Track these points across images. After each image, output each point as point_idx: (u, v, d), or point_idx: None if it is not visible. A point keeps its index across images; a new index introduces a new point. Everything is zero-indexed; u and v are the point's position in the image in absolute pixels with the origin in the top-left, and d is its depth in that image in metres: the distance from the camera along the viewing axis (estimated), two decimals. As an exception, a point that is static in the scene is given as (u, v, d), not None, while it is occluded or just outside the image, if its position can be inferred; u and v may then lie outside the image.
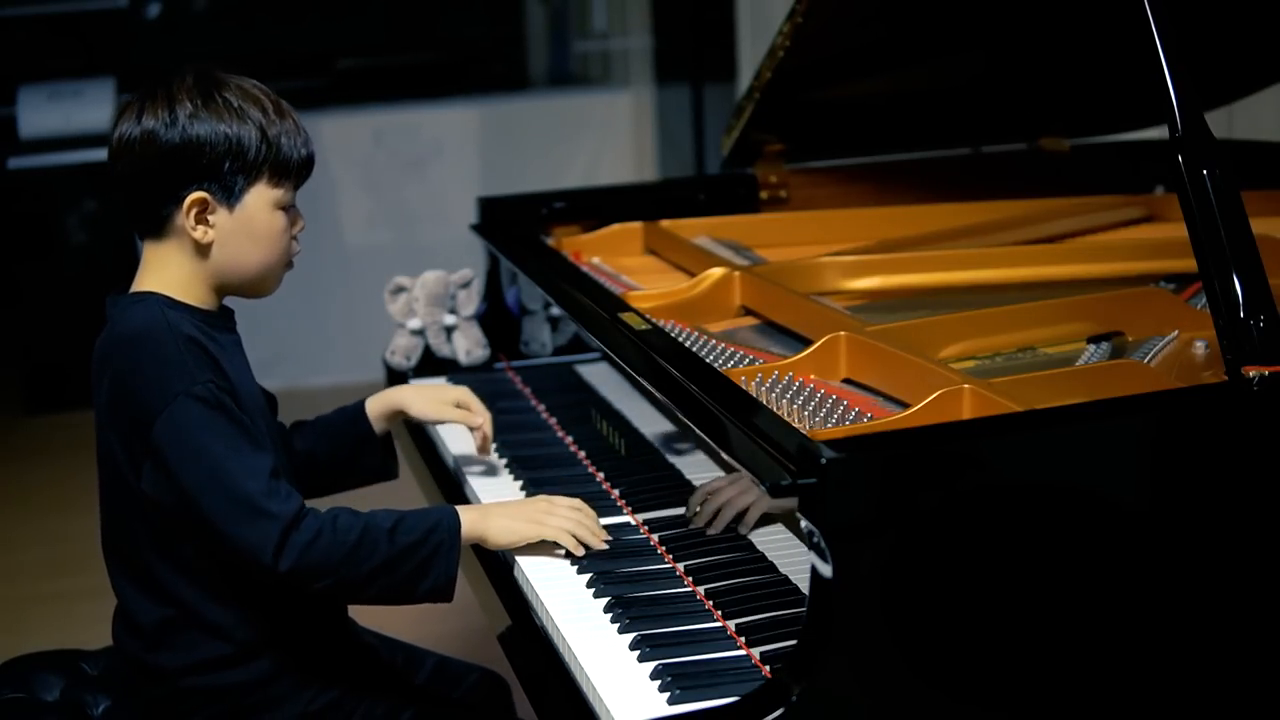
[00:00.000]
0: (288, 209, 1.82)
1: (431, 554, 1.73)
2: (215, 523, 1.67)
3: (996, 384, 1.71)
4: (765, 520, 1.80)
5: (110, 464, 1.79)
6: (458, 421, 2.10)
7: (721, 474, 1.90)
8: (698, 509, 1.86)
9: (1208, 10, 2.31)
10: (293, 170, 1.81)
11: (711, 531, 1.82)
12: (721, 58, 5.04)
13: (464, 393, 2.11)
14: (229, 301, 1.88)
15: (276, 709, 1.81)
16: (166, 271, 1.80)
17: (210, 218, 1.77)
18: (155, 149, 1.75)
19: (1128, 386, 1.72)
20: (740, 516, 1.81)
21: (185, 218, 1.77)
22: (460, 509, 1.79)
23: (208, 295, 1.82)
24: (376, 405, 2.09)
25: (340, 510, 1.72)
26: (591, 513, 1.85)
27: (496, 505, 1.86)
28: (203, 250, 1.79)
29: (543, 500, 1.86)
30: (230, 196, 1.77)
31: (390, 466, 2.13)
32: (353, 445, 2.08)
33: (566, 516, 1.82)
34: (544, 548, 1.83)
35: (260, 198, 1.79)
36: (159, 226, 1.79)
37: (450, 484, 2.19)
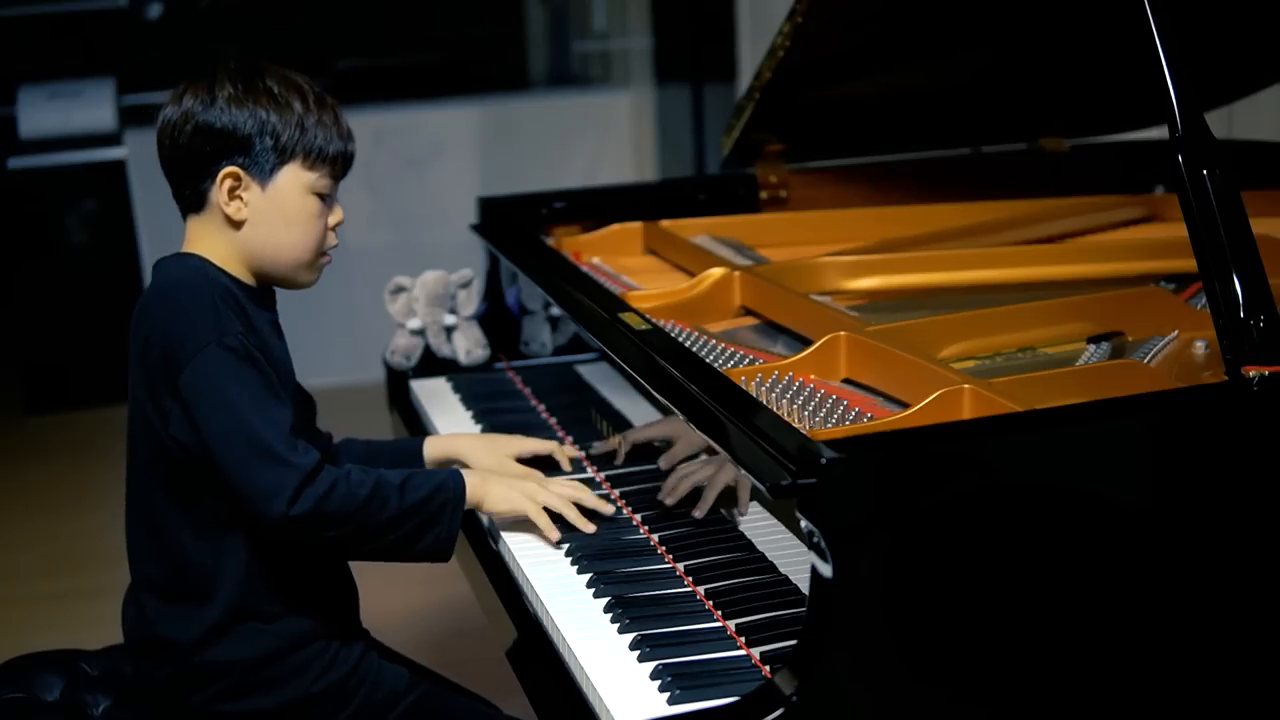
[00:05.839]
0: (324, 197, 1.86)
1: (437, 511, 1.80)
2: (232, 468, 1.71)
3: (996, 384, 1.71)
4: (725, 500, 1.84)
5: (138, 416, 1.83)
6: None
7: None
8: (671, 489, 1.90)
9: (1208, 10, 2.31)
10: (327, 158, 1.85)
11: (670, 501, 1.88)
12: (721, 58, 5.04)
13: (523, 442, 2.11)
14: None
15: (281, 686, 1.83)
16: (205, 243, 1.85)
17: (244, 194, 1.82)
18: (192, 127, 1.81)
19: (1128, 386, 1.72)
20: (702, 494, 1.86)
21: (219, 193, 1.81)
22: (464, 472, 1.86)
23: (245, 274, 1.86)
24: (434, 449, 2.12)
25: (351, 466, 1.77)
26: (587, 490, 1.93)
27: (495, 474, 1.93)
28: (236, 225, 1.83)
29: (537, 477, 1.96)
30: (263, 174, 1.82)
31: None
32: None
33: (559, 494, 1.90)
34: (541, 542, 1.86)
35: (293, 179, 1.83)
36: (198, 202, 1.84)
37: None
